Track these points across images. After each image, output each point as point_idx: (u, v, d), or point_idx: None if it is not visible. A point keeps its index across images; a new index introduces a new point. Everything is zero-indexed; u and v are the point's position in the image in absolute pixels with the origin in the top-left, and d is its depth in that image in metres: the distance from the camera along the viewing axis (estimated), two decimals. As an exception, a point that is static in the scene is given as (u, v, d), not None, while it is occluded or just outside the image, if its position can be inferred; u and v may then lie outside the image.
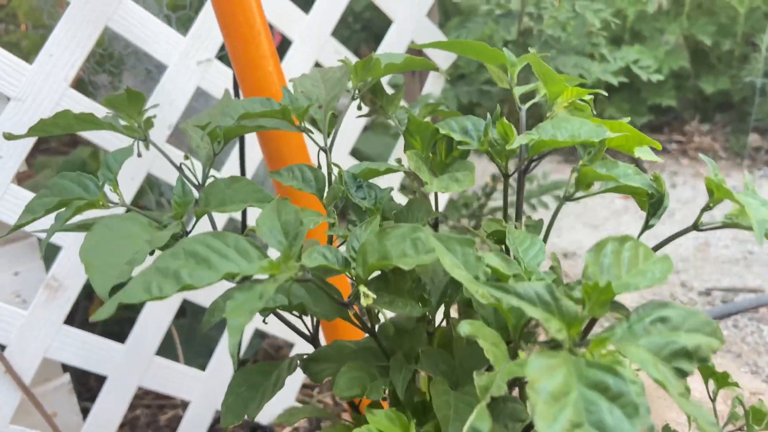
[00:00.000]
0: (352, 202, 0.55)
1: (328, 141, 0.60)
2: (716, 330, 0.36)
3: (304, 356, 0.59)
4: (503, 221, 0.54)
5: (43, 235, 0.96)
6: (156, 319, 1.09)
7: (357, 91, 0.61)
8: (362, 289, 0.46)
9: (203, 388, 1.17)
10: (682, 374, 0.35)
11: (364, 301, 0.46)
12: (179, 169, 0.60)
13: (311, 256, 0.48)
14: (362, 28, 2.86)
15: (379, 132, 1.83)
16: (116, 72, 1.09)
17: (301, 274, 0.45)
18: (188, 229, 0.57)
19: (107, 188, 0.55)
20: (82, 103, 0.92)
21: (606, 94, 0.65)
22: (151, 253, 0.51)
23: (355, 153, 1.31)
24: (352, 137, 1.20)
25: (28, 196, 0.93)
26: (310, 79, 0.62)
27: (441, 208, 1.57)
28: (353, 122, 1.19)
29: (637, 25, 2.51)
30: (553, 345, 0.37)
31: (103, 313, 0.42)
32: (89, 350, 1.04)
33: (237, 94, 0.81)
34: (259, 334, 1.44)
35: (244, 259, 0.44)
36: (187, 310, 1.40)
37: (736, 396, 0.58)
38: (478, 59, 0.61)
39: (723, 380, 0.56)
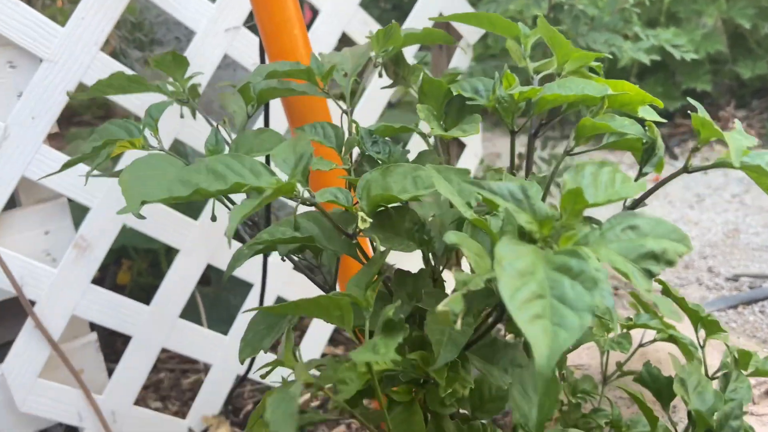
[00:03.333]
0: (369, 158, 0.63)
1: (351, 107, 0.67)
2: (684, 237, 0.42)
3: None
4: (503, 170, 0.60)
5: (72, 195, 1.05)
6: (180, 282, 1.18)
7: (379, 59, 0.68)
8: (360, 214, 0.53)
9: (225, 353, 1.25)
10: (650, 274, 0.41)
11: (360, 224, 0.53)
12: (216, 128, 0.67)
13: (323, 194, 0.55)
14: (393, 7, 2.92)
15: (404, 110, 1.90)
16: (147, 41, 1.18)
17: (308, 196, 0.52)
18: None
19: (148, 133, 0.64)
20: (111, 67, 1.00)
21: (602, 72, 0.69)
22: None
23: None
24: (377, 111, 1.27)
25: (60, 157, 1.02)
26: (339, 55, 0.70)
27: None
28: (378, 95, 1.26)
29: (674, 6, 2.53)
30: (525, 240, 0.42)
31: (127, 208, 0.50)
32: (116, 310, 1.13)
33: (263, 62, 0.89)
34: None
35: (255, 177, 0.52)
36: (211, 279, 1.49)
37: (727, 346, 0.64)
38: (494, 31, 0.68)
39: (712, 327, 0.61)
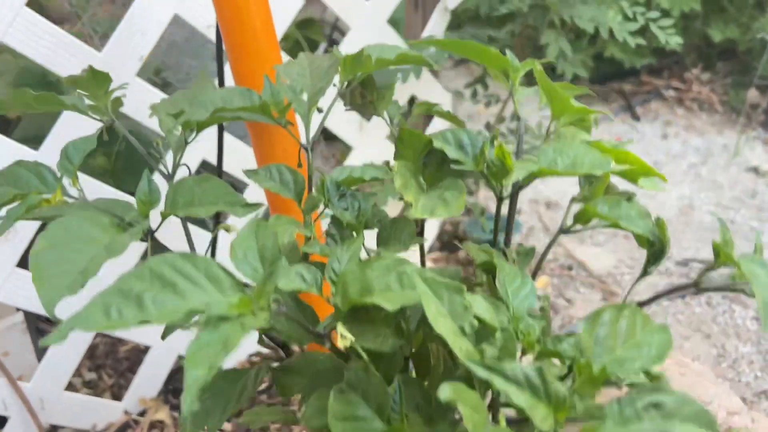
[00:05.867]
0: (335, 220, 0.54)
1: (310, 137, 0.57)
2: (712, 422, 0.37)
3: (274, 365, 0.59)
4: (492, 251, 0.53)
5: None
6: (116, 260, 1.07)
7: (344, 85, 0.58)
8: (340, 329, 0.45)
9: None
10: None
11: (340, 342, 0.45)
12: (147, 157, 0.56)
13: (288, 277, 0.46)
14: None
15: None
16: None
17: (275, 308, 0.44)
18: (153, 229, 0.55)
19: (66, 181, 0.52)
20: (37, 25, 0.85)
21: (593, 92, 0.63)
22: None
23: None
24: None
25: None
26: (297, 66, 0.58)
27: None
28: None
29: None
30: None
31: (53, 339, 0.41)
32: (44, 295, 1.02)
33: (219, 49, 0.76)
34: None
35: (214, 287, 0.43)
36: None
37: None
38: (480, 62, 0.58)
39: None
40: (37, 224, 0.98)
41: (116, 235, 0.49)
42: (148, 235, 0.53)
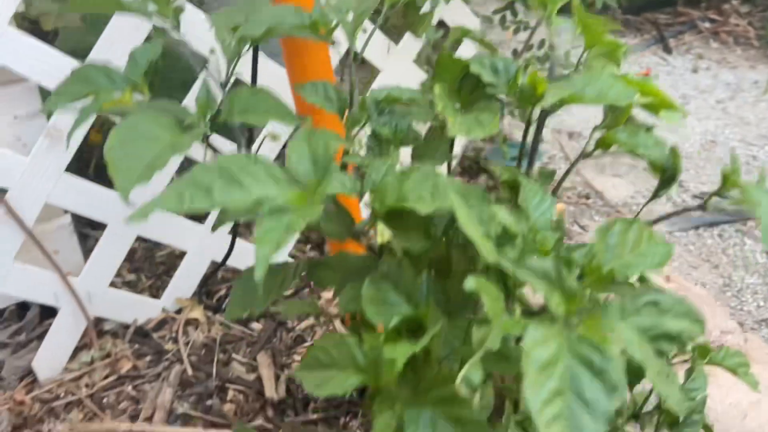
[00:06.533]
0: (375, 135, 0.58)
1: (355, 61, 0.61)
2: (700, 321, 0.43)
3: (311, 262, 0.65)
4: (517, 170, 0.58)
5: (44, 82, 0.97)
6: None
7: (389, 6, 0.61)
8: (380, 228, 0.51)
9: (200, 240, 1.25)
10: (662, 354, 0.42)
11: (379, 238, 0.51)
12: (204, 66, 0.61)
13: (331, 184, 0.52)
14: None
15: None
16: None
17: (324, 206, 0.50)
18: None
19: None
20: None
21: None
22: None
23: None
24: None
25: (29, 42, 0.93)
26: (343, -9, 0.62)
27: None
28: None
29: None
30: (551, 316, 0.43)
31: (136, 216, 0.47)
32: (90, 198, 1.10)
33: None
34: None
35: (274, 183, 0.48)
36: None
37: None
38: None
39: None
40: (84, 132, 1.04)
41: (178, 135, 0.54)
42: (205, 138, 0.58)
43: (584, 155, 0.58)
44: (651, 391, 0.69)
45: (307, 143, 0.50)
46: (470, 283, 0.45)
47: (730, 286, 1.33)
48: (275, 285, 0.65)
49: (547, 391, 0.36)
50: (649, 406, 0.68)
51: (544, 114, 0.58)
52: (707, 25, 2.45)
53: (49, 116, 1.01)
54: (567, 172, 0.60)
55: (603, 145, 0.56)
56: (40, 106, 1.05)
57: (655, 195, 0.59)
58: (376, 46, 1.32)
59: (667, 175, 0.57)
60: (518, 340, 0.54)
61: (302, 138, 0.50)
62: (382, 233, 0.51)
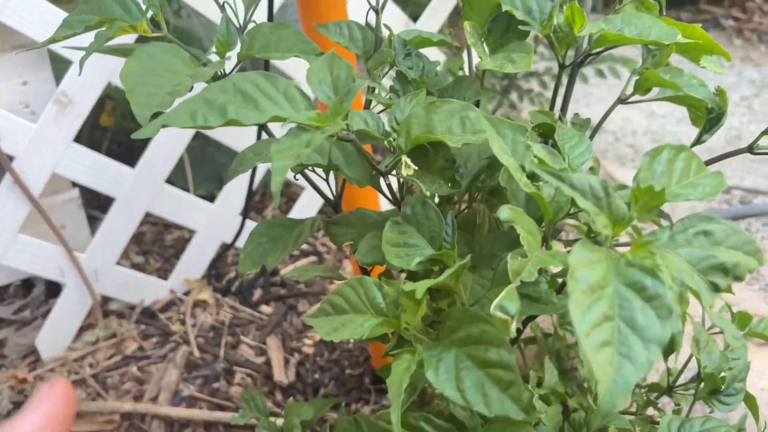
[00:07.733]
0: (400, 75, 0.56)
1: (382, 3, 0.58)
2: (758, 251, 0.39)
3: (327, 218, 0.62)
4: (552, 114, 0.54)
5: (52, 46, 0.95)
6: (167, 146, 1.11)
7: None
8: (404, 159, 0.48)
9: (210, 220, 1.23)
10: (716, 288, 0.38)
11: (404, 171, 0.48)
12: (221, 7, 0.58)
13: (353, 119, 0.49)
14: None
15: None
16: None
17: (346, 133, 0.47)
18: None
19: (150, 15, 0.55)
20: None
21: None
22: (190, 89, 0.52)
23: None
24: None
25: (40, 3, 0.92)
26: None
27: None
28: None
29: None
30: (595, 241, 0.40)
31: (145, 133, 0.44)
32: (99, 171, 1.07)
33: None
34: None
35: (291, 106, 0.46)
36: (198, 132, 1.42)
37: (725, 302, 0.63)
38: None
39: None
40: (92, 103, 1.01)
41: (197, 69, 0.52)
42: (223, 76, 0.56)
43: (622, 100, 0.55)
44: (685, 364, 0.65)
45: (329, 67, 0.47)
46: (505, 212, 0.41)
47: (758, 280, 1.28)
48: (290, 241, 0.62)
49: (595, 315, 0.33)
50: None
51: (581, 54, 0.55)
52: (731, 22, 2.41)
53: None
54: (604, 117, 0.56)
55: (643, 86, 0.52)
56: (51, 72, 1.02)
57: (698, 140, 0.56)
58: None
59: (712, 116, 0.53)
60: (554, 285, 0.51)
61: (324, 62, 0.47)
62: (407, 164, 0.47)
